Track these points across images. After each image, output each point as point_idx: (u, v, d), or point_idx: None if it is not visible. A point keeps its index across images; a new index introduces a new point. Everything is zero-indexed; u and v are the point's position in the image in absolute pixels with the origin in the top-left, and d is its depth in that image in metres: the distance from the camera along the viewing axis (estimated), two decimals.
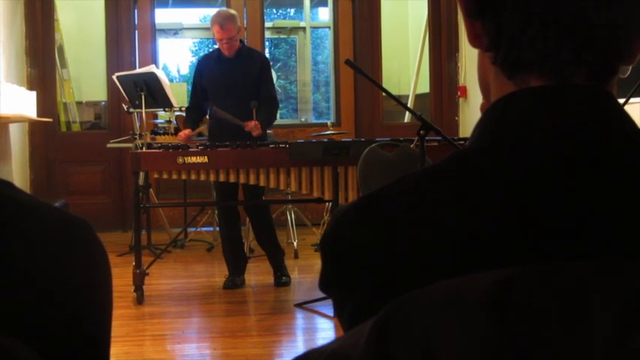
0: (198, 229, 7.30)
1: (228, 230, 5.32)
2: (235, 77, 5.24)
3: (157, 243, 6.66)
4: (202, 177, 4.90)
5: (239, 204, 5.56)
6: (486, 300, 0.57)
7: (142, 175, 5.42)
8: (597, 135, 0.70)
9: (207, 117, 5.78)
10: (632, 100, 3.87)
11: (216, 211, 6.96)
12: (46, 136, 7.76)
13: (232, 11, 5.41)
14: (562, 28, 0.70)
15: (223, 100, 5.22)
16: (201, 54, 12.69)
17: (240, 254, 5.40)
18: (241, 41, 5.34)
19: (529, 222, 0.66)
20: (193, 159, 4.80)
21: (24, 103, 6.24)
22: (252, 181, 4.90)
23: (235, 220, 5.38)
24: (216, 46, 5.50)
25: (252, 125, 5.06)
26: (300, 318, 4.65)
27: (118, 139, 7.08)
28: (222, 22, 5.16)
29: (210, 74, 5.33)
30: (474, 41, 0.77)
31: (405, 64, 9.20)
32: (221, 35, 5.18)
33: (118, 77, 6.20)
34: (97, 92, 8.33)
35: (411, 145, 4.34)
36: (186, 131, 5.40)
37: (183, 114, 6.28)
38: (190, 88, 5.62)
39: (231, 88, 5.22)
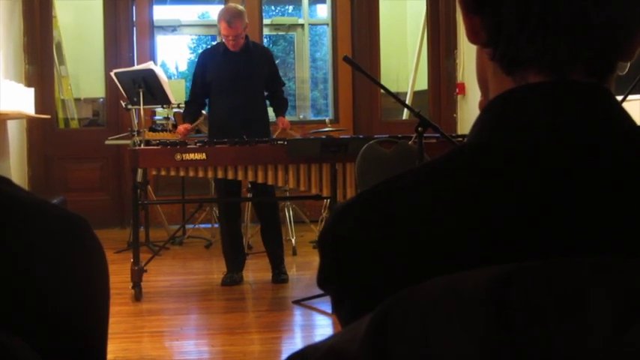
0: (197, 226, 7.30)
1: (229, 226, 5.32)
2: (244, 71, 5.27)
3: (155, 240, 6.65)
4: (200, 174, 4.90)
5: (239, 200, 5.55)
6: (485, 296, 0.57)
7: (140, 171, 5.42)
8: (596, 132, 0.70)
9: (205, 113, 5.78)
10: (630, 97, 3.87)
11: (215, 208, 6.97)
12: (44, 132, 7.75)
13: (240, 7, 5.40)
14: (560, 25, 0.70)
15: (229, 93, 5.24)
16: (200, 50, 12.70)
17: (240, 251, 5.40)
18: (246, 36, 5.34)
19: (528, 219, 0.66)
20: (191, 156, 4.79)
21: (22, 100, 6.23)
22: (250, 178, 4.90)
23: (236, 216, 5.39)
24: (214, 43, 5.49)
25: (285, 125, 5.48)
26: (298, 315, 4.65)
27: (116, 136, 7.08)
28: (230, 19, 5.14)
29: (216, 68, 5.31)
30: (473, 37, 0.77)
31: (403, 61, 9.19)
32: (228, 32, 5.17)
33: (116, 74, 6.20)
34: (95, 89, 8.32)
35: (410, 142, 4.34)
36: (186, 125, 5.40)
37: (181, 111, 6.28)
38: (190, 83, 5.59)
39: (239, 82, 5.25)
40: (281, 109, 5.53)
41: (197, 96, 5.42)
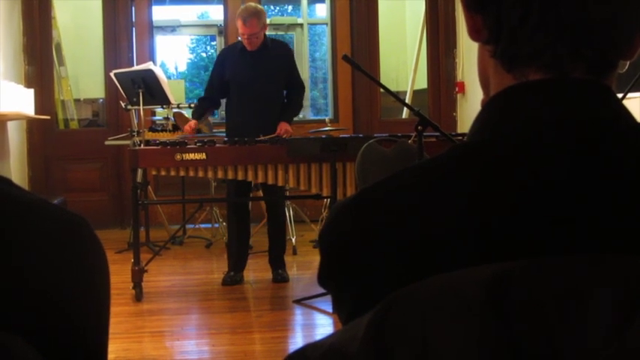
0: (197, 226, 7.30)
1: (238, 227, 5.31)
2: (260, 71, 5.22)
3: (155, 240, 6.65)
4: (200, 174, 4.89)
5: (241, 200, 5.54)
6: (484, 295, 0.57)
7: (140, 172, 5.41)
8: (596, 130, 0.70)
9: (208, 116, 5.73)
10: (630, 94, 3.87)
11: (215, 208, 6.97)
12: (44, 133, 7.75)
13: (259, 7, 5.33)
14: (561, 22, 0.70)
15: (246, 93, 5.21)
16: (199, 50, 12.69)
17: (244, 251, 5.39)
18: (264, 35, 5.29)
19: (528, 217, 0.66)
20: (191, 156, 4.79)
21: (22, 101, 6.23)
22: (250, 178, 4.90)
23: (246, 217, 5.38)
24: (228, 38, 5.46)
25: (282, 132, 5.23)
26: (298, 314, 4.65)
27: (116, 137, 7.08)
28: (246, 17, 5.09)
29: (233, 67, 5.28)
30: (474, 35, 0.77)
31: (402, 60, 9.19)
32: (243, 30, 5.13)
33: (115, 74, 6.19)
34: (95, 89, 8.32)
35: (409, 141, 4.34)
36: (192, 123, 5.36)
37: (181, 111, 6.29)
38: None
39: (255, 82, 5.21)
40: (286, 114, 5.38)
41: (212, 92, 5.41)
